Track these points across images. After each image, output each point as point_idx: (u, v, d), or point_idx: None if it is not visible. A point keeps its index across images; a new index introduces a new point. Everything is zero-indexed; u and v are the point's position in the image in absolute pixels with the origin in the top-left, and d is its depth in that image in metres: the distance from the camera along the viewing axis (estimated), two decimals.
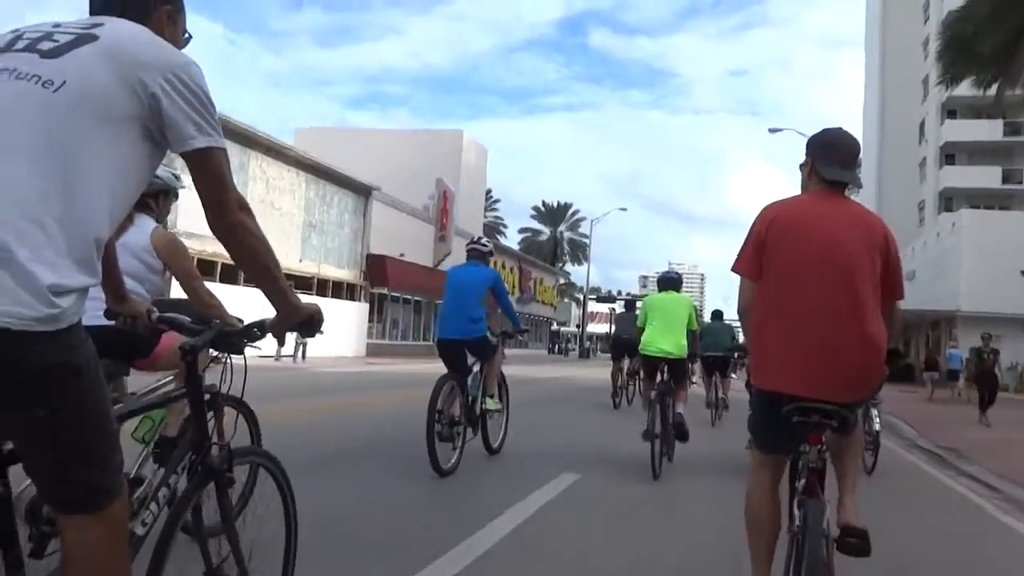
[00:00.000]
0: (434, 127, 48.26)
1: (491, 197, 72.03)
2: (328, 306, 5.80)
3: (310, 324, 2.00)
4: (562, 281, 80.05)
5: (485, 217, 71.68)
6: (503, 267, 51.44)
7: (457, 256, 41.26)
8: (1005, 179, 43.13)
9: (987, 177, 43.15)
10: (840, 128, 3.01)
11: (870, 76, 59.48)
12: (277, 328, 2.03)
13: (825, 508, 2.60)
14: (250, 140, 23.96)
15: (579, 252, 68.89)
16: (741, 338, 5.28)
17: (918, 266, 34.96)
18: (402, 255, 32.32)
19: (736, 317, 3.11)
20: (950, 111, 46.14)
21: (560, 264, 74.46)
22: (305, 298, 2.10)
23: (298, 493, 2.43)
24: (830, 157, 2.88)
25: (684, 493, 5.97)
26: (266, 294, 1.87)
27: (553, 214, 73.91)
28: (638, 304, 10.98)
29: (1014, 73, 15.68)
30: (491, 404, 6.71)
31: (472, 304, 6.60)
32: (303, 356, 23.36)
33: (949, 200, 45.96)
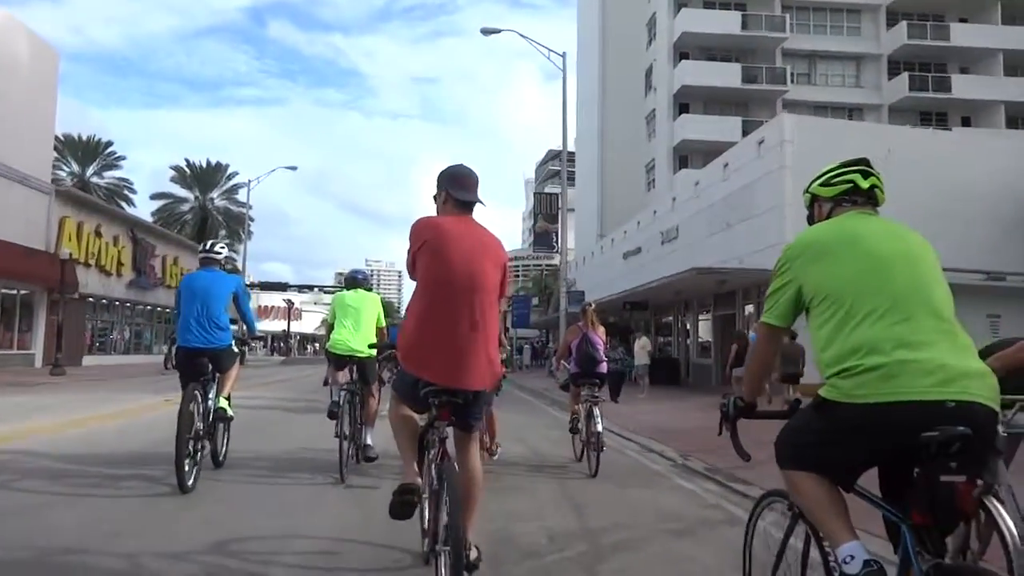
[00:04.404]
0: None
1: (112, 152, 52.66)
2: None
3: None
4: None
5: (102, 177, 52.35)
6: (97, 234, 34.04)
7: None
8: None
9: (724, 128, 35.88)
10: (462, 164, 3.82)
11: (586, 21, 51.37)
12: None
13: (455, 467, 3.34)
14: None
15: (240, 228, 52.21)
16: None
17: (700, 211, 25.10)
18: None
19: None
20: (682, 53, 38.71)
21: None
22: None
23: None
24: (460, 185, 3.69)
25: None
26: None
27: (202, 177, 55.69)
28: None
29: None
30: (224, 404, 6.47)
31: (217, 311, 6.41)
32: None
33: (684, 157, 38.54)
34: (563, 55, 26.73)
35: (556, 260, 75.99)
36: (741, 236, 20.56)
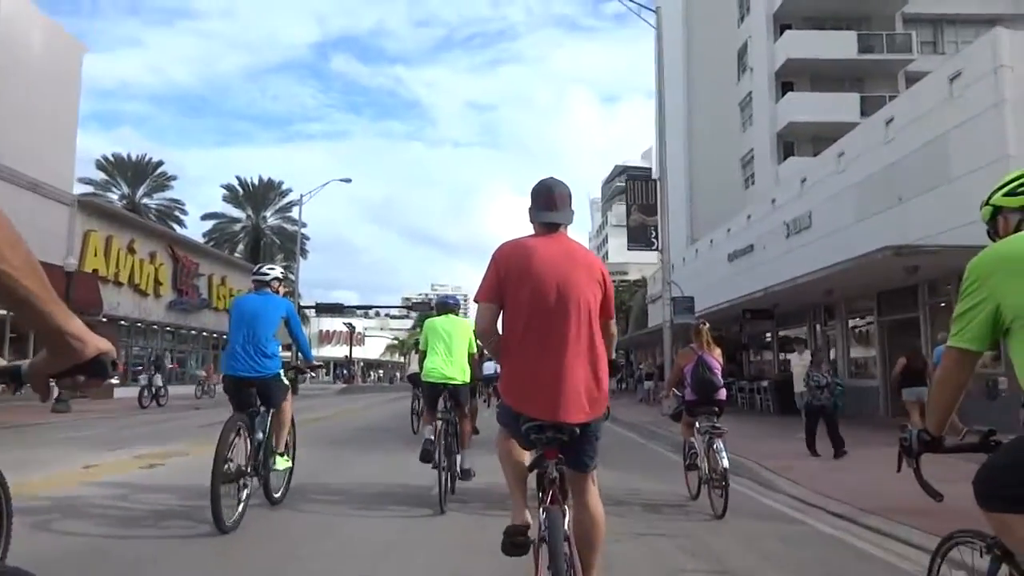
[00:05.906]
0: None
1: (162, 172, 49.79)
2: None
3: (97, 367, 1.29)
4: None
5: (152, 198, 49.54)
6: (130, 250, 30.57)
7: None
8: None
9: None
10: (551, 177, 3.43)
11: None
12: (44, 372, 1.32)
13: (565, 513, 3.00)
14: None
15: (293, 247, 48.60)
16: None
17: (846, 189, 19.84)
18: None
19: None
20: (783, 24, 33.53)
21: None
22: None
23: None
24: (540, 204, 3.35)
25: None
26: (26, 320, 1.20)
27: (255, 196, 52.45)
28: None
29: None
30: (280, 464, 6.08)
31: (265, 337, 6.02)
32: None
33: (789, 144, 33.23)
34: (656, 10, 22.01)
35: (629, 274, 70.70)
36: (922, 211, 15.23)
